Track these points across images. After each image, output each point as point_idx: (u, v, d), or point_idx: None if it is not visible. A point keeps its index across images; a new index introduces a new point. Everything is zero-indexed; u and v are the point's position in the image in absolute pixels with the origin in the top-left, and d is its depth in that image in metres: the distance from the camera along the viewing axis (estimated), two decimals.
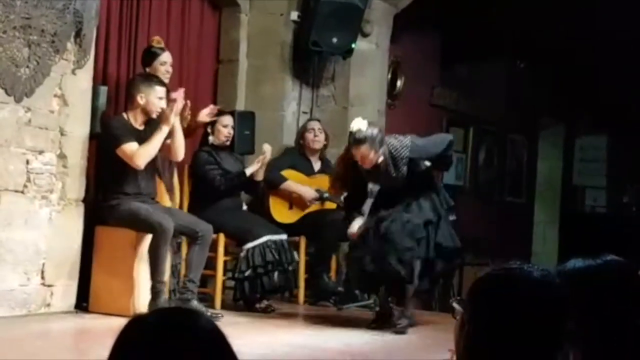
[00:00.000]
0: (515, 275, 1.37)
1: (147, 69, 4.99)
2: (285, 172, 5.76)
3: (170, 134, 4.68)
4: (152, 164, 4.75)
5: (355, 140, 4.50)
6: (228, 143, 5.41)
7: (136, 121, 4.70)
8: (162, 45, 5.12)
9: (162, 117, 4.63)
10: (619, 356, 1.53)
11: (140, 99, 4.66)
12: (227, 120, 5.41)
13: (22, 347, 3.71)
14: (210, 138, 5.36)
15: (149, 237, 4.68)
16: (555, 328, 1.35)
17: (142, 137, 4.67)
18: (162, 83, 4.78)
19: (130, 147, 4.58)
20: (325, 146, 5.96)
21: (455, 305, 1.39)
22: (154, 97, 4.66)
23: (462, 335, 1.35)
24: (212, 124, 5.36)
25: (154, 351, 1.15)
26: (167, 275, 4.60)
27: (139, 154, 4.58)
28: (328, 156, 6.06)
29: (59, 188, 4.56)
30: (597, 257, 1.61)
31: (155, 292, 4.50)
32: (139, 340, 1.17)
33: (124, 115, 4.75)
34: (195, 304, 4.59)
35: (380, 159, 4.53)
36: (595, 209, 9.72)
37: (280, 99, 6.21)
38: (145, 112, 4.70)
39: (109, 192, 4.71)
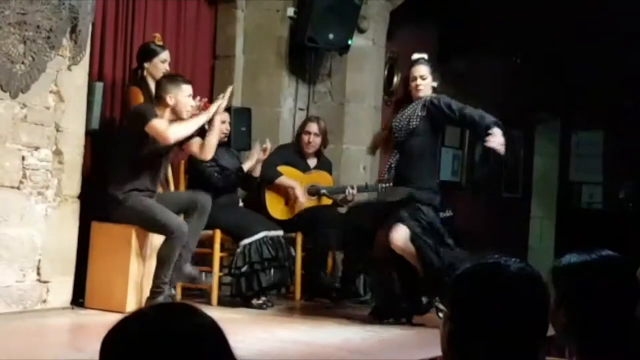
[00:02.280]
0: (492, 271, 1.37)
1: (146, 65, 4.99)
2: (281, 169, 5.76)
3: (208, 131, 4.82)
4: (161, 161, 4.76)
5: (420, 59, 4.83)
6: (226, 139, 5.42)
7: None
8: (162, 43, 5.12)
9: (201, 108, 4.76)
10: (613, 350, 1.54)
11: (170, 100, 4.64)
12: (224, 116, 5.41)
13: (18, 344, 3.71)
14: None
15: (146, 234, 4.68)
16: (535, 319, 1.35)
17: None
18: (188, 81, 4.79)
19: (161, 123, 4.55)
20: (323, 145, 5.94)
21: (438, 304, 1.40)
22: (182, 96, 4.66)
23: (445, 333, 1.36)
24: (209, 120, 5.35)
25: (151, 346, 1.15)
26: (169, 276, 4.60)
27: (173, 129, 4.56)
28: (325, 153, 6.07)
29: (55, 184, 4.55)
30: (592, 252, 1.61)
31: (157, 291, 4.52)
32: (137, 335, 1.17)
33: (157, 111, 4.69)
34: (189, 268, 4.64)
35: (430, 90, 4.75)
36: (591, 205, 9.73)
37: (277, 95, 6.20)
38: (175, 112, 4.67)
39: (116, 187, 4.64)
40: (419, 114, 4.72)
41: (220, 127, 5.37)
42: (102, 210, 4.70)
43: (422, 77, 4.76)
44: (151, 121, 4.54)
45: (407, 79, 4.89)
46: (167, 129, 4.55)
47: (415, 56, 4.90)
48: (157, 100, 4.71)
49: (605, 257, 1.61)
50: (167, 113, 4.67)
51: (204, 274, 4.78)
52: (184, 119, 4.73)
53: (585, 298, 1.56)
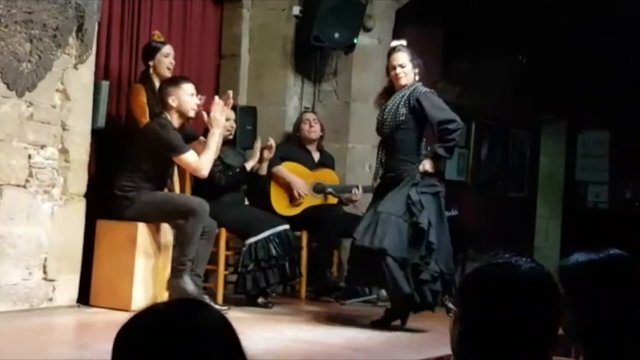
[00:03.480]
0: (502, 270, 1.37)
1: (150, 63, 5.01)
2: (287, 165, 5.77)
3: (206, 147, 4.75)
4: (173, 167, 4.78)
5: (399, 46, 4.67)
6: (231, 137, 5.43)
7: (174, 123, 4.68)
8: (163, 39, 5.14)
9: (211, 122, 4.71)
10: (620, 349, 1.53)
11: (172, 102, 4.65)
12: (230, 114, 5.42)
13: (24, 342, 3.71)
14: None
15: (149, 232, 4.69)
16: (546, 319, 1.34)
17: None
18: (189, 80, 4.79)
19: (192, 157, 4.62)
20: (322, 137, 5.97)
21: (448, 303, 1.39)
22: (185, 95, 4.67)
23: (455, 333, 1.36)
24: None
25: (164, 341, 1.16)
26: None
27: (203, 164, 4.64)
28: (327, 150, 6.08)
29: (61, 183, 4.56)
30: (599, 251, 1.61)
31: (181, 268, 4.53)
32: (149, 330, 1.18)
33: (167, 115, 4.68)
34: (202, 298, 4.60)
35: (410, 78, 4.61)
36: (597, 205, 9.71)
37: (282, 94, 6.21)
38: (181, 113, 4.68)
39: (125, 187, 4.64)
40: (403, 107, 4.58)
41: (226, 125, 5.37)
42: (111, 210, 4.70)
43: (402, 66, 4.59)
44: (182, 155, 4.60)
45: (387, 69, 4.73)
46: (199, 165, 4.63)
47: (394, 43, 4.76)
48: (163, 106, 4.71)
49: (612, 256, 1.60)
50: (175, 116, 4.67)
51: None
52: (192, 118, 4.75)
53: (592, 297, 1.56)
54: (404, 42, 4.73)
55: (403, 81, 4.61)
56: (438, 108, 4.56)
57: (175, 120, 4.68)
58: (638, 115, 8.66)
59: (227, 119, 5.37)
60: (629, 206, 9.35)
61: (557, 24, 7.82)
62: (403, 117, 4.57)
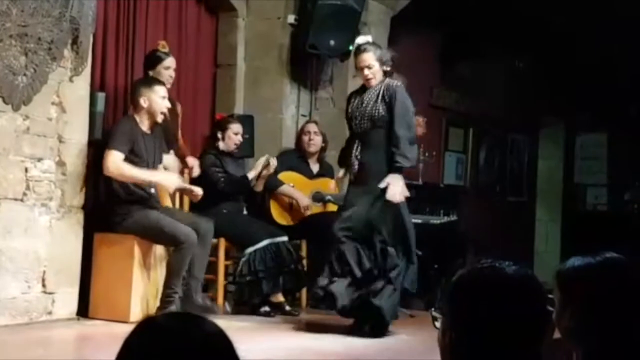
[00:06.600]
0: (488, 274, 1.37)
1: (150, 73, 5.00)
2: (285, 175, 5.75)
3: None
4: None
5: (363, 45, 4.62)
6: (237, 150, 5.47)
7: (143, 124, 4.69)
8: (167, 50, 5.13)
9: (166, 181, 4.74)
10: (619, 353, 1.53)
11: (144, 102, 4.65)
12: (238, 127, 5.48)
13: (24, 355, 3.70)
14: (221, 144, 5.40)
15: (149, 245, 4.68)
16: (535, 321, 1.34)
17: (147, 142, 4.67)
18: (161, 83, 4.79)
19: (116, 156, 4.50)
20: (323, 148, 5.95)
21: (434, 313, 1.39)
22: (156, 97, 4.66)
23: (445, 342, 1.35)
24: (224, 130, 5.40)
25: (162, 354, 1.16)
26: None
27: (120, 171, 4.50)
28: (327, 159, 6.07)
29: (59, 195, 4.55)
30: (596, 255, 1.60)
31: (168, 300, 4.52)
32: (148, 342, 1.18)
33: (135, 116, 4.69)
34: (200, 298, 4.66)
35: (379, 76, 4.57)
36: (596, 207, 9.71)
37: (279, 102, 6.21)
38: (151, 113, 4.68)
39: (118, 198, 4.63)
40: (379, 103, 4.54)
41: (235, 138, 5.41)
42: (105, 223, 4.69)
43: (369, 67, 4.56)
44: (111, 150, 4.51)
45: (355, 66, 4.70)
46: (117, 168, 4.50)
47: (359, 40, 4.72)
48: (133, 105, 4.72)
49: (610, 259, 1.60)
50: (145, 117, 4.67)
51: (215, 304, 4.82)
52: (158, 122, 4.72)
53: (590, 301, 1.55)
54: (369, 38, 4.71)
55: (373, 82, 4.60)
56: (404, 117, 4.52)
57: (145, 121, 4.68)
58: (636, 117, 8.67)
59: (236, 133, 5.40)
60: (629, 208, 9.35)
61: (554, 27, 7.83)
62: (378, 113, 4.55)
